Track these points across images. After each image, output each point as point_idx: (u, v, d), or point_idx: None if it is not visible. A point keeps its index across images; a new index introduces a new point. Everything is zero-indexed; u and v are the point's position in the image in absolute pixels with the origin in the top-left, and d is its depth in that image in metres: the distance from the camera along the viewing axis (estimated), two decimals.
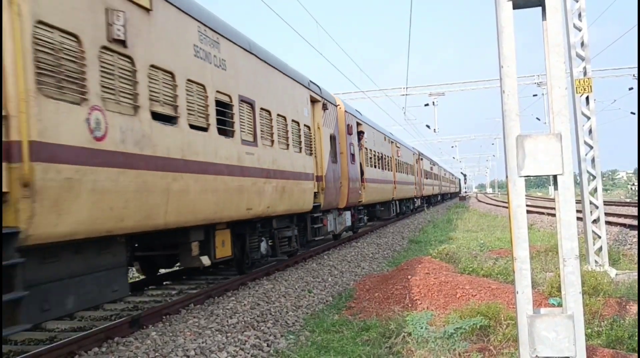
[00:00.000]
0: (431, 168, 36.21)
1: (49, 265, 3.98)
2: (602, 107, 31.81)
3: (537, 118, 32.14)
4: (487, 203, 41.24)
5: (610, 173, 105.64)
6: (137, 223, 4.63)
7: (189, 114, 5.49)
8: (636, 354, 3.81)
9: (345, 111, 12.55)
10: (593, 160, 7.59)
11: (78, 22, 4.04)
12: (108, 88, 4.34)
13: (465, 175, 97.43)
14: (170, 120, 5.20)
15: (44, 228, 3.62)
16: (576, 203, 2.92)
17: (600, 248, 7.48)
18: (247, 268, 7.72)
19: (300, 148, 9.05)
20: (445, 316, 5.04)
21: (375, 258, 10.72)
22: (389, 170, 18.83)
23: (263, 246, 7.91)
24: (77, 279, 4.23)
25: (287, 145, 8.39)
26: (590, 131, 7.57)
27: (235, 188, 6.41)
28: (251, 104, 7.03)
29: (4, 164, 3.40)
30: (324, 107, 10.64)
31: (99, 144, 4.13)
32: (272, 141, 7.74)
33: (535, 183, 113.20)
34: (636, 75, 24.80)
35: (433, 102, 26.25)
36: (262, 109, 7.39)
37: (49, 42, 3.80)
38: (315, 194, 9.70)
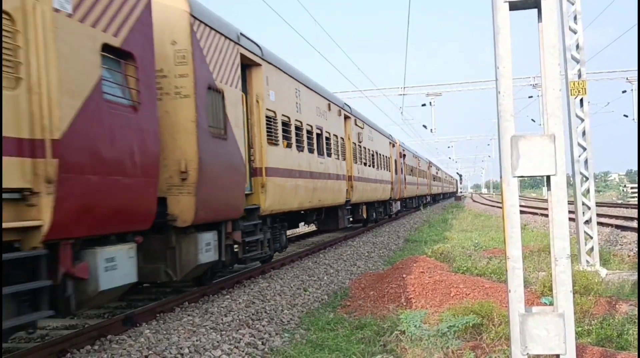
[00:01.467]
0: (437, 172, 47.57)
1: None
2: (596, 109, 32.08)
3: (532, 119, 32.37)
4: (482, 203, 41.44)
5: (602, 175, 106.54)
6: (364, 200, 15.41)
7: (371, 161, 16.54)
8: (624, 352, 3.87)
9: (400, 144, 24.07)
10: (586, 161, 7.66)
11: (355, 136, 14.46)
12: (366, 158, 15.99)
13: (461, 175, 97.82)
14: (373, 165, 16.79)
15: (354, 198, 13.73)
16: (569, 203, 2.95)
17: (592, 249, 7.56)
18: (366, 223, 17.30)
19: (386, 168, 19.59)
20: (439, 314, 5.08)
21: (370, 256, 10.76)
22: (415, 176, 29.08)
23: (374, 214, 17.82)
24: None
25: (384, 168, 19.04)
26: (583, 133, 7.64)
27: (375, 188, 16.82)
28: (377, 152, 17.74)
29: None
30: (393, 146, 21.84)
31: (359, 176, 14.73)
32: (383, 167, 18.85)
33: (530, 183, 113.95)
34: (629, 78, 25.01)
35: (430, 103, 26.35)
36: (380, 154, 18.45)
37: (355, 146, 14.49)
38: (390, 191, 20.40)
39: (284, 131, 8.60)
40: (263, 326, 5.23)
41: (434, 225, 18.23)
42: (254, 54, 7.51)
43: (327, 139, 11.30)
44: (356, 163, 14.18)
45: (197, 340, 4.62)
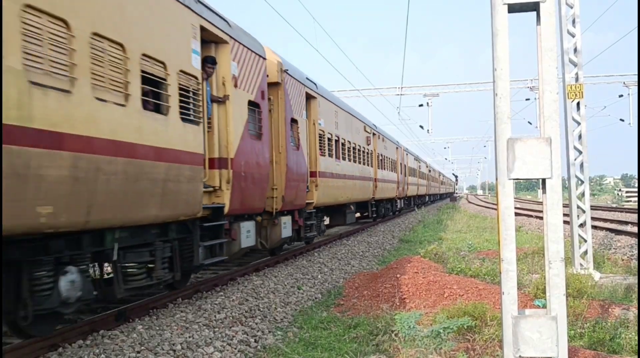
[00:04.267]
0: (442, 178, 63.21)
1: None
2: (592, 113, 32.25)
3: (528, 122, 32.43)
4: (477, 204, 41.60)
5: (598, 178, 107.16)
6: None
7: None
8: (616, 356, 3.89)
9: (430, 164, 42.88)
10: (582, 165, 7.68)
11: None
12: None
13: (456, 176, 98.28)
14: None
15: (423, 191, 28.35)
16: (564, 206, 2.96)
17: (586, 252, 7.59)
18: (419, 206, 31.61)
19: (422, 177, 33.19)
20: (433, 315, 5.09)
21: (365, 256, 10.76)
22: (433, 182, 43.92)
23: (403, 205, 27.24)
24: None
25: (424, 178, 33.85)
26: (579, 136, 7.66)
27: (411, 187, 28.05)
28: (416, 170, 30.26)
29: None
30: (428, 167, 36.63)
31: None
32: (425, 178, 35.25)
33: (525, 186, 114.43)
34: (626, 82, 25.13)
35: (427, 103, 26.37)
36: (423, 173, 33.82)
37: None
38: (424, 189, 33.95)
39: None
40: (256, 323, 5.22)
41: (429, 226, 18.26)
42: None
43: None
44: (407, 175, 24.76)
45: (189, 337, 4.61)
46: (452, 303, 5.45)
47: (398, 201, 22.83)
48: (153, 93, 4.94)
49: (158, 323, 5.05)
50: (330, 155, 11.30)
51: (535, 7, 2.76)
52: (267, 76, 7.87)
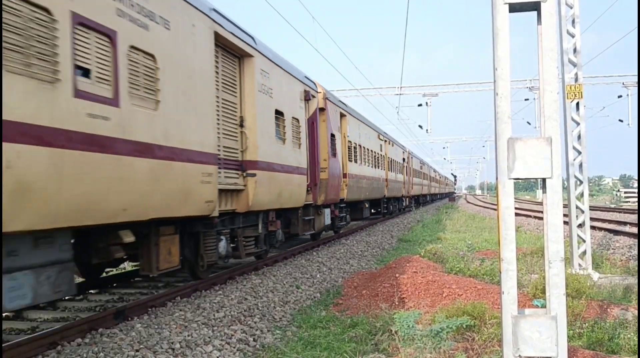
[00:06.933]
0: (447, 181, 75.57)
1: None
2: (591, 113, 32.35)
3: (527, 122, 32.51)
4: (476, 205, 41.67)
5: (596, 179, 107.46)
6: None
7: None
8: (615, 356, 3.90)
9: (439, 171, 64.99)
10: (580, 165, 7.69)
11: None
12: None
13: (455, 176, 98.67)
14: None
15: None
16: (563, 207, 2.96)
17: (585, 252, 7.61)
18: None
19: (436, 182, 52.18)
20: (432, 314, 5.09)
21: (364, 255, 10.77)
22: (441, 184, 61.04)
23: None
24: None
25: (437, 182, 53.99)
26: (579, 137, 7.67)
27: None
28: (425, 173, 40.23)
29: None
30: (438, 175, 57.47)
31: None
32: (438, 182, 55.61)
33: (524, 186, 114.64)
34: (625, 83, 25.18)
35: (426, 103, 26.39)
36: (437, 179, 54.33)
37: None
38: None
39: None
40: (255, 322, 5.22)
41: (428, 225, 18.28)
42: None
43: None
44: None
45: (188, 335, 4.60)
46: (451, 302, 5.45)
47: (428, 196, 41.83)
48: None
49: (157, 322, 5.04)
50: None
51: (536, 7, 2.76)
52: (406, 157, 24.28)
